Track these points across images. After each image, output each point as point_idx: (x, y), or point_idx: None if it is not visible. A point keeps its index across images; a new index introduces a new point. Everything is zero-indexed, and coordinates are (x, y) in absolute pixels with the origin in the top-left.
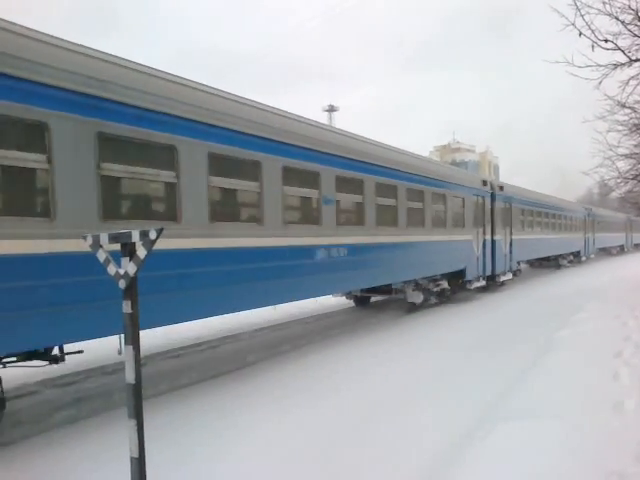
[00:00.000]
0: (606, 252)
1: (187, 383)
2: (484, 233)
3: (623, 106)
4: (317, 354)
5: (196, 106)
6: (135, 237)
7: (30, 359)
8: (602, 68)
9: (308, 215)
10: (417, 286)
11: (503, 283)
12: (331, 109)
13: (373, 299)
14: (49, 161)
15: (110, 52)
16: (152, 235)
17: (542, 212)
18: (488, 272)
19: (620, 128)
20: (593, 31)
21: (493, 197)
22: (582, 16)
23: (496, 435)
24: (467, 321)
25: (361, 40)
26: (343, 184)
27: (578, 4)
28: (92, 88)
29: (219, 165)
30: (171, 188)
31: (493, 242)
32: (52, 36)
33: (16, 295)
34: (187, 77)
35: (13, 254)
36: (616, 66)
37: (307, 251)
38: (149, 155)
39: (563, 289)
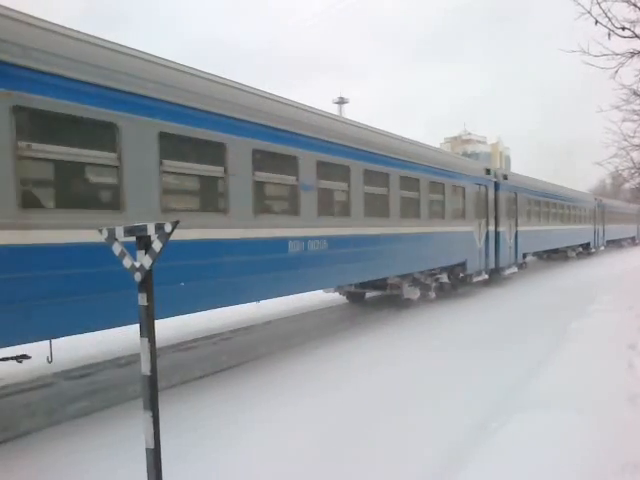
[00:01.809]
0: None
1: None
2: (594, 224)
3: None
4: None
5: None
6: (150, 230)
7: None
8: (618, 57)
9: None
10: (572, 249)
11: (599, 250)
12: (341, 101)
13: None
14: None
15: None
16: (167, 228)
17: (618, 212)
18: (596, 245)
19: (635, 118)
20: (610, 19)
21: (599, 205)
22: (599, 3)
23: (514, 424)
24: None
25: (369, 32)
26: (553, 211)
27: None
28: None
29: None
30: None
31: (597, 230)
32: None
33: None
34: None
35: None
36: (633, 54)
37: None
38: None
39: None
